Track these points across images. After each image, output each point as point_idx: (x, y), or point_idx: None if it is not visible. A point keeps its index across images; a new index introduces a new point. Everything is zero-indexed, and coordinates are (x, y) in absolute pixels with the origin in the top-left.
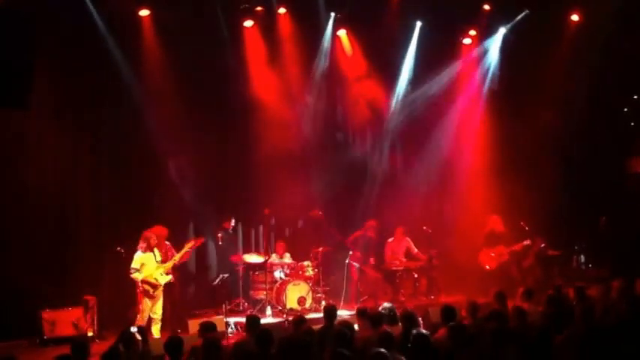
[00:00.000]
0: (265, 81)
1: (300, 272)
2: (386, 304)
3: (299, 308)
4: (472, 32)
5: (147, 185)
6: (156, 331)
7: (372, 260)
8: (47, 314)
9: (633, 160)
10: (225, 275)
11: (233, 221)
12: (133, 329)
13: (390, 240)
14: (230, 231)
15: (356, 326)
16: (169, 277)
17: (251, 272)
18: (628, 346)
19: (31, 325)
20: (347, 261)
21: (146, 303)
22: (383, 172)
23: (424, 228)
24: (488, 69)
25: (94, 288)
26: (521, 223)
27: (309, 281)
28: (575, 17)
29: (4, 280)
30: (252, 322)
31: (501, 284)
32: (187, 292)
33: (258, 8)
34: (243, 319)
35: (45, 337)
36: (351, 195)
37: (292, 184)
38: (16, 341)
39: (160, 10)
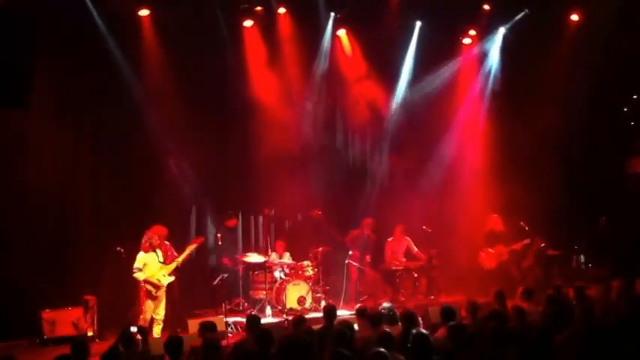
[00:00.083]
0: (265, 81)
1: (300, 272)
2: (385, 304)
3: (299, 308)
4: (472, 32)
5: (147, 185)
6: (157, 331)
7: (368, 258)
8: (47, 314)
9: (633, 160)
10: (225, 275)
11: (237, 220)
12: (133, 329)
13: (390, 239)
14: (233, 229)
15: (355, 326)
16: (172, 279)
17: (251, 272)
18: (628, 346)
19: (31, 325)
20: (346, 261)
21: (149, 304)
22: (383, 172)
23: (424, 228)
24: (489, 71)
25: (94, 288)
26: (521, 223)
27: (308, 281)
28: (575, 17)
29: (4, 280)
30: (253, 321)
31: (501, 284)
32: (187, 292)
33: (258, 8)
34: (242, 319)
35: (45, 337)
36: (350, 195)
37: (292, 184)
38: (16, 341)
39: (160, 10)
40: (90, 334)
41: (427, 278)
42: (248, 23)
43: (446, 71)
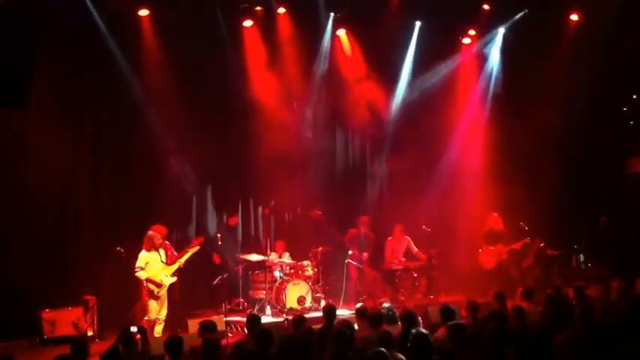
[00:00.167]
0: (265, 81)
1: (300, 272)
2: (385, 304)
3: (299, 308)
4: (471, 32)
5: (147, 185)
6: (158, 330)
7: (365, 256)
8: (47, 314)
9: (633, 159)
10: (225, 275)
11: (238, 218)
12: (133, 329)
13: (390, 238)
14: (234, 228)
15: (355, 326)
16: (174, 279)
17: (251, 272)
18: (628, 346)
19: (31, 325)
20: (346, 260)
21: (153, 304)
22: (382, 172)
23: (423, 227)
24: (490, 74)
25: (94, 288)
26: (521, 222)
27: (308, 281)
28: (574, 17)
29: (4, 280)
30: (253, 321)
31: (501, 284)
32: (187, 292)
33: (258, 8)
34: (242, 319)
35: (45, 337)
36: (350, 195)
37: (292, 185)
38: (16, 341)
39: (160, 10)
40: (90, 334)
41: (427, 278)
42: (248, 23)
43: (445, 68)
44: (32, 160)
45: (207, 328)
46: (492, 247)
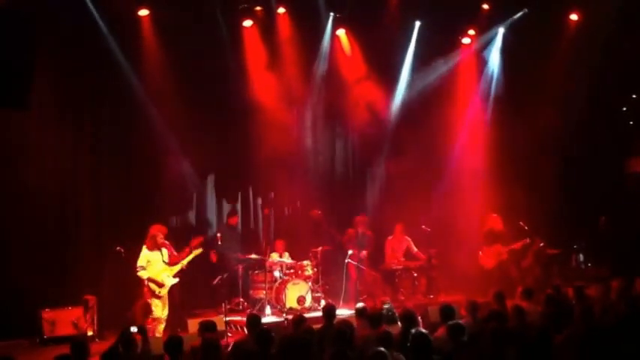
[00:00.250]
0: (265, 82)
1: (300, 272)
2: (385, 305)
3: (298, 307)
4: (471, 32)
5: (147, 185)
6: (159, 329)
7: (364, 254)
8: (47, 314)
9: (633, 159)
10: (225, 275)
11: (238, 218)
12: (133, 329)
13: (390, 237)
14: (235, 227)
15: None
16: (176, 280)
17: (250, 272)
18: (627, 346)
19: (31, 325)
20: (346, 260)
21: (156, 304)
22: (382, 172)
23: (423, 227)
24: (491, 77)
25: (94, 288)
26: (520, 222)
27: (308, 280)
28: (574, 17)
29: (4, 280)
30: (253, 321)
31: (500, 284)
32: (187, 291)
33: (258, 8)
34: (242, 319)
35: (45, 337)
36: (350, 195)
37: (292, 185)
38: (16, 341)
39: (160, 10)
40: (90, 333)
41: (426, 278)
42: (247, 23)
43: (444, 65)
44: (32, 160)
45: (207, 327)
46: (492, 248)
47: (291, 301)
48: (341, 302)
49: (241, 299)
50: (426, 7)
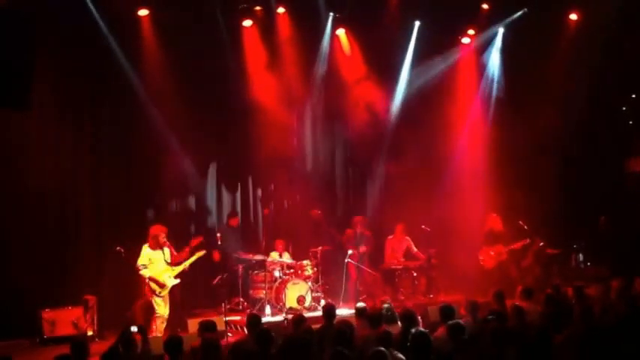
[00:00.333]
0: (265, 82)
1: (300, 271)
2: (385, 304)
3: (298, 307)
4: (471, 32)
5: (147, 185)
6: (160, 328)
7: (363, 249)
8: (47, 314)
9: (633, 159)
10: (225, 274)
11: (239, 219)
12: (133, 329)
13: (391, 237)
14: (236, 228)
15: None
16: (177, 281)
17: (250, 271)
18: (627, 346)
19: (31, 325)
20: (346, 260)
21: (158, 303)
22: (382, 172)
23: (423, 227)
24: (491, 79)
25: (94, 288)
26: (520, 222)
27: (308, 280)
28: (574, 16)
29: (4, 280)
30: (253, 321)
31: (500, 284)
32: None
33: (257, 8)
34: (242, 319)
35: (45, 337)
36: (350, 195)
37: (292, 185)
38: (16, 341)
39: (160, 10)
40: (90, 333)
41: (426, 278)
42: (247, 23)
43: (444, 62)
44: (32, 160)
45: (207, 327)
46: (492, 248)
47: (291, 301)
48: (341, 302)
49: (241, 299)
50: (425, 7)
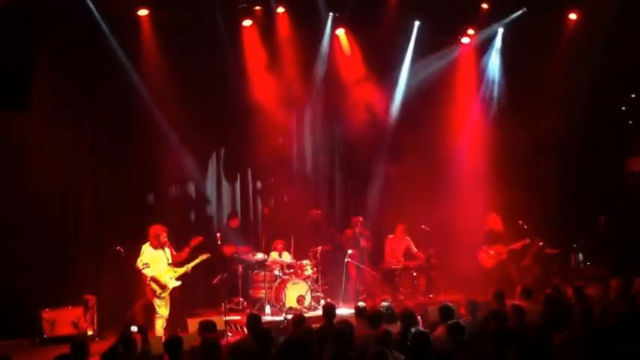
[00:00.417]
0: (264, 82)
1: (300, 271)
2: (384, 303)
3: (298, 307)
4: (470, 31)
5: (147, 185)
6: (159, 328)
7: (363, 242)
8: (47, 314)
9: (632, 159)
10: (225, 274)
11: (239, 220)
12: (133, 329)
13: (391, 236)
14: (236, 229)
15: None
16: (178, 283)
17: (250, 271)
18: (627, 346)
19: (31, 325)
20: (346, 260)
21: (158, 305)
22: (382, 172)
23: (423, 227)
24: (492, 80)
25: (94, 288)
26: (520, 222)
27: (308, 280)
28: (573, 16)
29: (4, 280)
30: (253, 320)
31: (500, 283)
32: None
33: (257, 8)
34: (242, 318)
35: (45, 337)
36: (350, 195)
37: (292, 184)
38: (16, 340)
39: (160, 10)
40: (90, 333)
41: (426, 277)
42: (247, 23)
43: (443, 60)
44: (32, 160)
45: (207, 327)
46: (492, 248)
47: (290, 301)
48: (341, 302)
49: (241, 299)
50: (425, 7)
